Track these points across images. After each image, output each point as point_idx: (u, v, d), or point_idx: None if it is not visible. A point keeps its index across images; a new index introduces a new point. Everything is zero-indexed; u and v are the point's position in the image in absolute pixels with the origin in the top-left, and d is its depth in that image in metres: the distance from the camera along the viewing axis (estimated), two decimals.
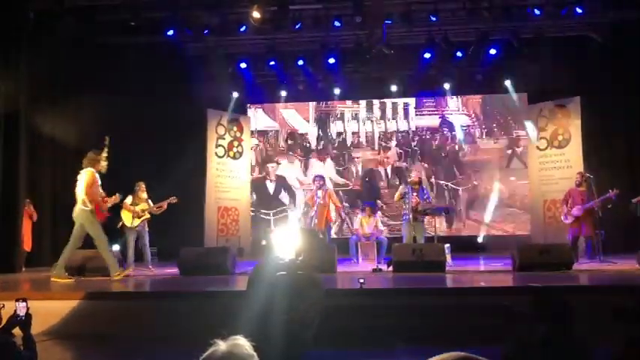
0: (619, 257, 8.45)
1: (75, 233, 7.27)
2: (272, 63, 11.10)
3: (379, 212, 11.42)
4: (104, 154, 7.36)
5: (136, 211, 8.69)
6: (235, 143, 12.00)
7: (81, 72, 10.16)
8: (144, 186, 8.90)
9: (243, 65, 11.18)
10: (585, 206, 8.62)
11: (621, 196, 8.65)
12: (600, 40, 10.02)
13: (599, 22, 9.94)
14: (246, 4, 9.48)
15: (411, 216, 8.86)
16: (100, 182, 7.26)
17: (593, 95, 10.55)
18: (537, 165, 11.36)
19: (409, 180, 9.26)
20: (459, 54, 10.76)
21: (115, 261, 7.42)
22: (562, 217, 9.12)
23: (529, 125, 11.48)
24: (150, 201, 8.85)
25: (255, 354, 1.65)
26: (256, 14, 9.38)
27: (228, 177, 11.78)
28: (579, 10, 9.46)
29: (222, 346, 1.62)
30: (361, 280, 5.88)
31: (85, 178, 7.11)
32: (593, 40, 10.11)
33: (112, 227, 8.90)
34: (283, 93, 12.31)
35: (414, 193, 8.89)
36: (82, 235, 7.31)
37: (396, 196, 9.31)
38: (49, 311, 5.19)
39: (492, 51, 10.60)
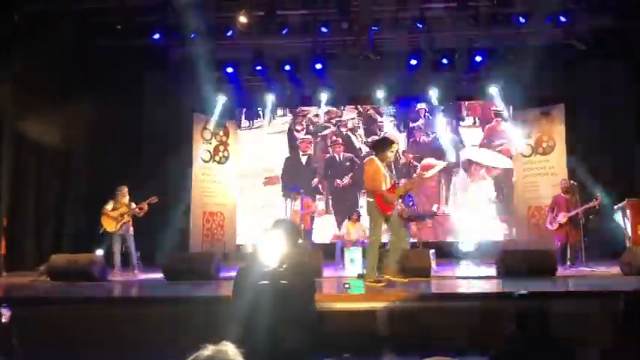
0: (603, 264, 8.54)
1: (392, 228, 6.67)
2: (259, 68, 11.07)
3: None
4: (394, 148, 6.64)
5: (114, 216, 8.66)
6: (221, 148, 11.96)
7: (68, 75, 10.07)
8: (126, 190, 8.89)
9: (229, 70, 11.15)
10: (570, 214, 8.71)
11: (604, 202, 8.76)
12: (584, 48, 10.14)
13: (582, 31, 10.06)
14: (233, 8, 9.47)
15: None
16: (385, 172, 6.45)
17: (577, 102, 10.67)
18: (522, 172, 11.45)
19: None
20: (444, 61, 10.83)
21: (373, 265, 6.44)
22: (547, 224, 9.19)
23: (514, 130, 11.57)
24: (133, 204, 8.83)
25: None
26: (243, 19, 9.38)
27: (214, 182, 11.73)
28: (563, 19, 9.59)
29: (205, 351, 1.62)
30: (346, 285, 5.89)
31: (366, 168, 6.47)
32: (576, 48, 10.23)
33: (95, 232, 8.85)
34: (270, 98, 12.28)
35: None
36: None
37: None
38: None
39: (478, 58, 10.68)
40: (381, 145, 6.47)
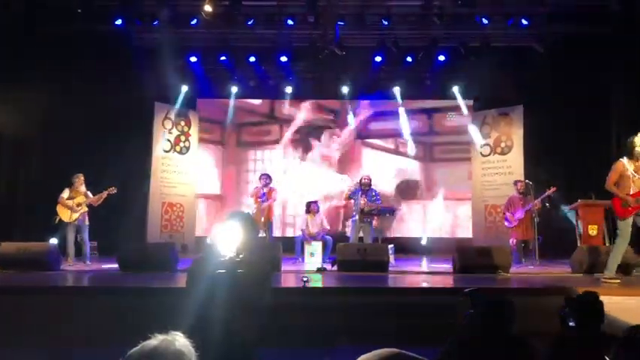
0: (554, 262, 8.79)
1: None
2: (223, 58, 10.96)
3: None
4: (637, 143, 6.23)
5: (71, 206, 8.49)
6: (182, 138, 11.78)
7: (23, 60, 9.74)
8: (82, 178, 8.71)
9: (193, 59, 11.00)
10: (526, 208, 8.95)
11: (557, 202, 9.01)
12: (543, 52, 10.40)
13: (542, 34, 10.31)
14: None
15: (357, 216, 8.98)
16: (630, 173, 6.17)
17: (536, 104, 10.91)
18: (480, 170, 11.67)
19: (361, 181, 9.33)
20: (408, 59, 10.95)
21: (615, 264, 6.34)
22: (505, 223, 9.39)
23: (474, 130, 11.76)
24: (89, 193, 8.66)
25: (186, 351, 1.63)
26: (208, 8, 9.27)
27: (174, 172, 11.55)
28: (524, 22, 9.83)
29: (153, 341, 1.60)
30: (305, 279, 5.90)
31: (612, 169, 6.22)
32: (536, 52, 10.48)
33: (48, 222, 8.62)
34: (234, 89, 12.16)
35: (363, 195, 9.07)
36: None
37: (345, 194, 9.41)
38: None
39: (441, 57, 10.84)
40: (628, 145, 6.27)
